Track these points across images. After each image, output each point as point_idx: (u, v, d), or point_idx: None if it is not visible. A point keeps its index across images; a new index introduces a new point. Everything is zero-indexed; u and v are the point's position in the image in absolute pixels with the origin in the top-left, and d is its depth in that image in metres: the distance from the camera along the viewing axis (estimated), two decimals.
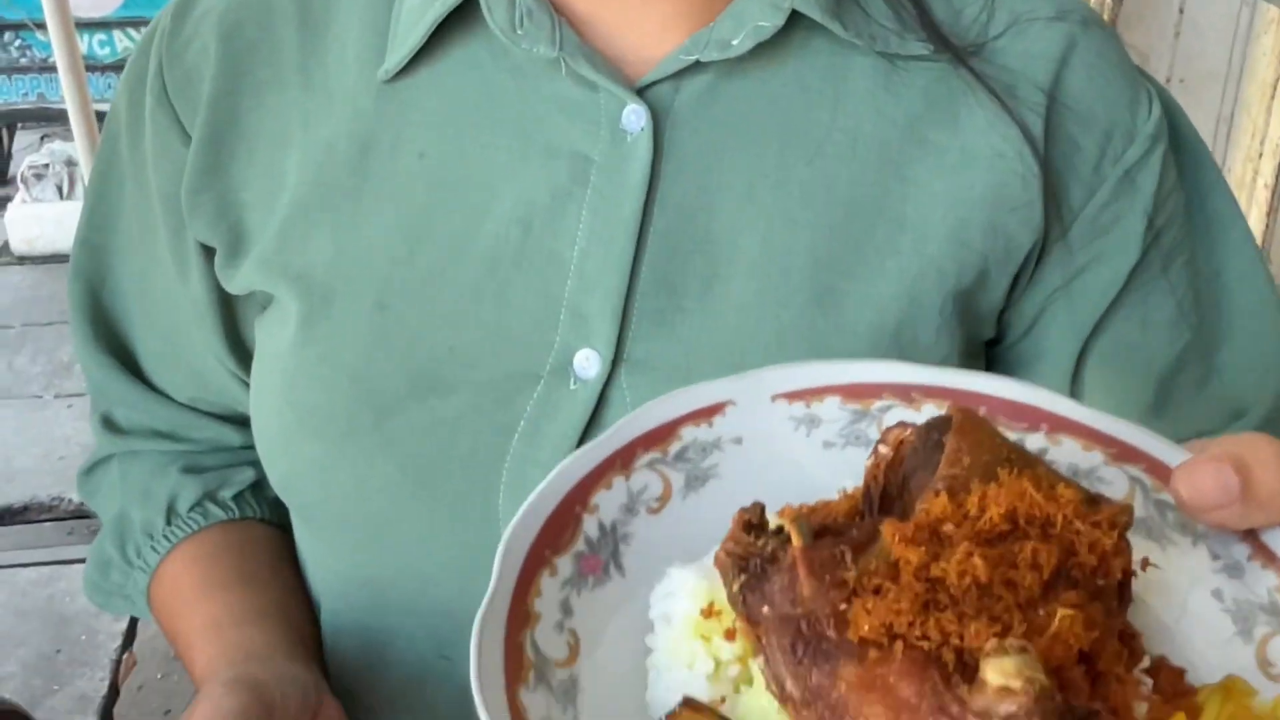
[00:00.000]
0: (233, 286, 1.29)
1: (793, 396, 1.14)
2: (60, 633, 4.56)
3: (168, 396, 1.41)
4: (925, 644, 0.90)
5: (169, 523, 1.34)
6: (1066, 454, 1.14)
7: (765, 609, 0.94)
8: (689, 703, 0.97)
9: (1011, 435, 1.14)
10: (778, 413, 1.13)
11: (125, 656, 4.49)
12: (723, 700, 0.99)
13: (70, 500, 5.21)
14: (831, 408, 1.14)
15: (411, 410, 1.20)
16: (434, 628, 1.14)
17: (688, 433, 1.12)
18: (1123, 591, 1.02)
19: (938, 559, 0.93)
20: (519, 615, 1.00)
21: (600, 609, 1.04)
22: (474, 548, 1.08)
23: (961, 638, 0.90)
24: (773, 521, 1.03)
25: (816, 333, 1.24)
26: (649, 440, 1.10)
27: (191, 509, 1.35)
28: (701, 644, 1.00)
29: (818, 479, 1.09)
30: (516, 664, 0.97)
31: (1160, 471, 1.12)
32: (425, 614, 1.15)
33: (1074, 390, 1.32)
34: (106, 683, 4.36)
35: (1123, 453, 1.13)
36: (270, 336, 1.27)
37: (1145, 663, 1.03)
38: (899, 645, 0.90)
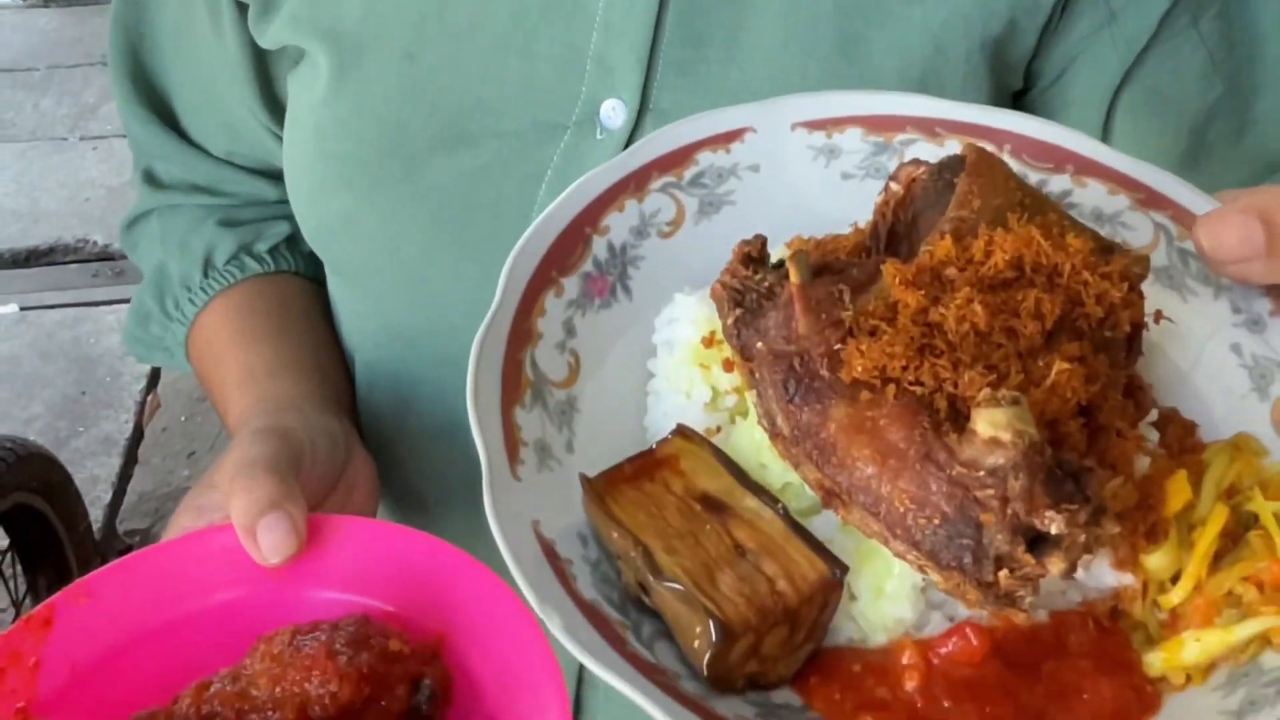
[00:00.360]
0: (265, 41, 1.27)
1: (814, 126, 1.11)
2: (85, 375, 4.57)
3: (205, 151, 1.41)
4: (918, 389, 0.89)
5: (206, 275, 1.35)
6: (1091, 197, 1.11)
7: (759, 344, 0.93)
8: (682, 430, 0.98)
9: (1035, 176, 1.11)
10: (797, 142, 1.10)
11: (150, 398, 4.50)
12: (718, 429, 1.00)
13: (95, 242, 5.20)
14: (853, 139, 1.11)
15: (440, 161, 1.19)
16: (462, 377, 1.15)
17: (705, 158, 1.09)
18: (1131, 344, 1.00)
19: (937, 303, 0.92)
20: (521, 333, 1.00)
21: (604, 331, 1.04)
22: None
23: (955, 385, 0.89)
24: (778, 254, 1.01)
25: (842, 81, 1.20)
26: (665, 164, 1.08)
27: (228, 261, 1.36)
28: (700, 372, 1.00)
29: (833, 210, 1.07)
30: (514, 383, 0.98)
31: (1187, 219, 1.09)
32: (454, 364, 1.16)
33: (1104, 141, 1.28)
34: (131, 424, 4.38)
35: (1149, 198, 1.10)
36: (302, 91, 1.26)
37: (1152, 416, 1.02)
38: (891, 389, 0.89)
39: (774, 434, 0.93)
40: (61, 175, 5.55)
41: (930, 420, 0.88)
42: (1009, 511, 0.84)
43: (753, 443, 0.97)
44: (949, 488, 0.86)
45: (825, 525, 0.94)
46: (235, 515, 0.93)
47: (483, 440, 0.92)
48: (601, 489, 0.94)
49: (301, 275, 1.41)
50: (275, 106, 1.32)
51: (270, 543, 0.92)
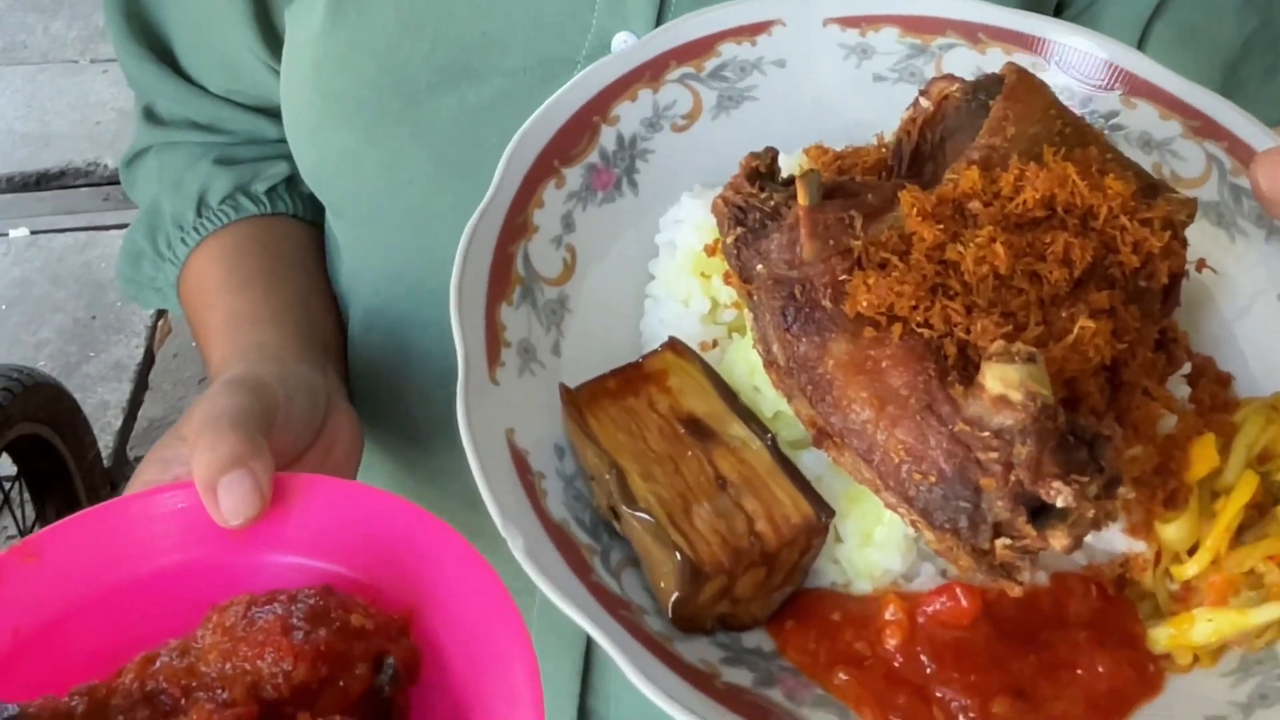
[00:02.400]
0: None
1: (848, 22, 0.98)
2: (96, 299, 4.31)
3: (203, 88, 1.31)
4: (926, 332, 0.77)
5: (199, 214, 1.25)
6: (1141, 120, 0.98)
7: (759, 266, 0.82)
8: (673, 344, 0.86)
9: (1082, 92, 0.98)
10: (829, 38, 0.97)
11: (160, 323, 4.25)
12: (714, 344, 0.89)
13: (106, 165, 4.85)
14: (888, 39, 0.98)
15: (442, 98, 1.10)
16: None
17: (728, 49, 0.96)
18: (1168, 295, 0.87)
19: (956, 239, 0.80)
20: (515, 226, 0.89)
21: (605, 227, 0.92)
22: None
23: (968, 331, 0.77)
24: (794, 160, 0.90)
25: None
26: (684, 53, 0.96)
27: (223, 201, 1.26)
28: (700, 282, 0.89)
29: (861, 114, 0.94)
30: (503, 278, 0.87)
31: (1242, 152, 0.96)
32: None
33: None
34: (141, 349, 4.14)
35: (1204, 127, 0.97)
36: (300, 26, 1.16)
37: (1185, 369, 0.91)
38: (897, 328, 0.77)
39: (768, 362, 0.82)
40: (72, 98, 5.24)
41: (936, 367, 0.77)
42: (1012, 478, 0.73)
43: (748, 363, 0.86)
44: (949, 445, 0.75)
45: (815, 461, 0.84)
46: (196, 472, 0.83)
47: (462, 338, 0.82)
48: (582, 402, 0.84)
49: (299, 218, 1.30)
50: (274, 42, 1.20)
51: (231, 503, 0.82)
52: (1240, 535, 0.85)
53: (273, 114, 1.26)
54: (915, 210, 0.80)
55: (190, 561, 0.84)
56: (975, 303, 0.79)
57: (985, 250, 0.79)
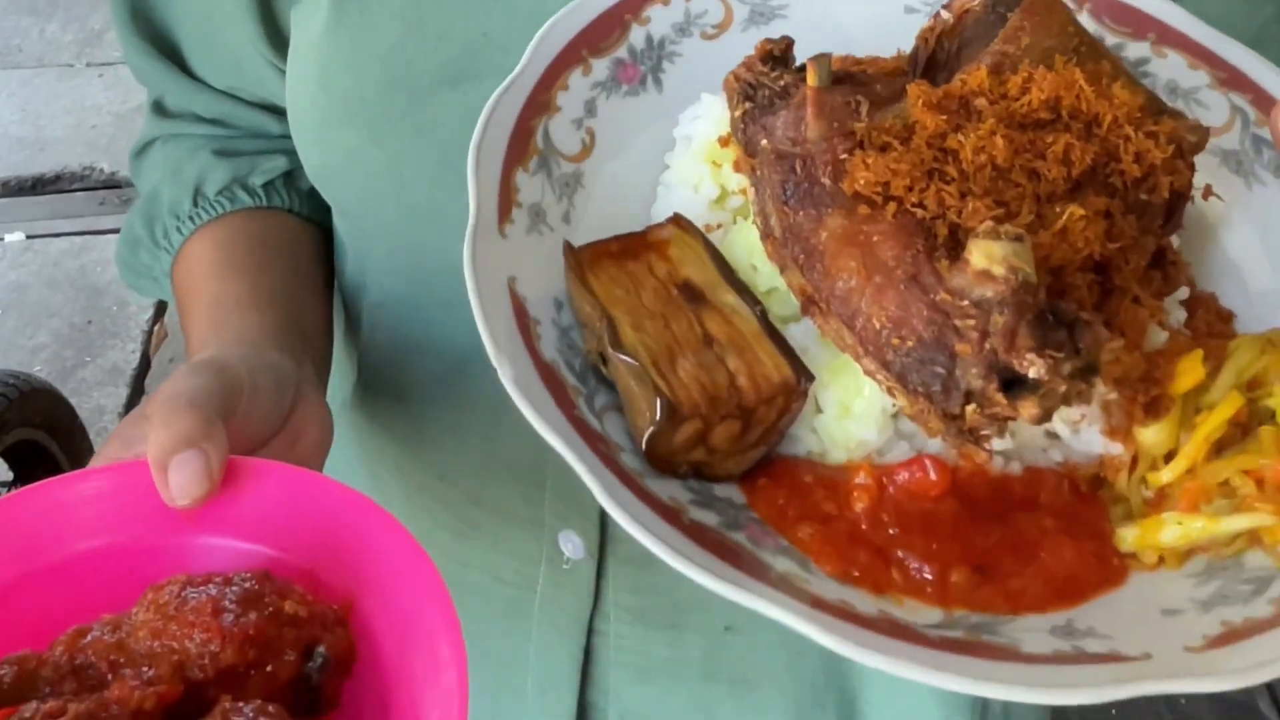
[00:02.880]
0: None
1: None
2: (92, 303, 4.26)
3: (208, 85, 1.31)
4: (919, 211, 0.79)
5: (195, 204, 1.25)
6: (1169, 69, 0.99)
7: (764, 141, 0.84)
8: (678, 219, 0.89)
9: (1112, 40, 0.99)
10: None
11: (156, 328, 4.22)
12: (718, 226, 0.91)
13: (102, 170, 4.82)
14: None
15: (445, 97, 1.09)
16: (471, 323, 1.08)
17: None
18: (1171, 213, 0.89)
19: (958, 130, 0.82)
20: (538, 103, 0.92)
21: (626, 117, 0.95)
22: None
23: (959, 214, 0.80)
24: (794, 46, 0.93)
25: None
26: None
27: (219, 192, 1.25)
28: (710, 169, 0.91)
29: (888, 42, 0.96)
30: (521, 147, 0.90)
31: (1267, 105, 0.97)
32: (462, 306, 1.09)
33: None
34: (138, 354, 4.10)
35: (1231, 78, 0.99)
36: (305, 24, 1.17)
37: (1183, 294, 0.92)
38: (892, 207, 0.79)
39: (765, 234, 0.85)
40: (67, 102, 5.18)
41: (925, 244, 0.79)
42: (987, 346, 0.75)
43: (748, 244, 0.88)
44: (929, 312, 0.77)
45: (803, 334, 0.85)
46: (150, 450, 0.83)
47: (476, 191, 0.85)
48: (584, 259, 0.86)
49: (295, 213, 1.30)
50: (279, 40, 1.22)
51: (179, 482, 0.81)
52: (1220, 451, 0.85)
53: (276, 110, 1.27)
54: (921, 101, 0.83)
55: (134, 540, 0.83)
56: (970, 189, 0.80)
57: (985, 141, 0.81)
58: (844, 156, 0.82)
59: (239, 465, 0.84)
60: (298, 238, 1.29)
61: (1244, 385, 0.88)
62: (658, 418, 0.78)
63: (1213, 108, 0.99)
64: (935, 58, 0.91)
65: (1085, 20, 0.97)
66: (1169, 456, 0.85)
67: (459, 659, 0.74)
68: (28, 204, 4.83)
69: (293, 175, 1.28)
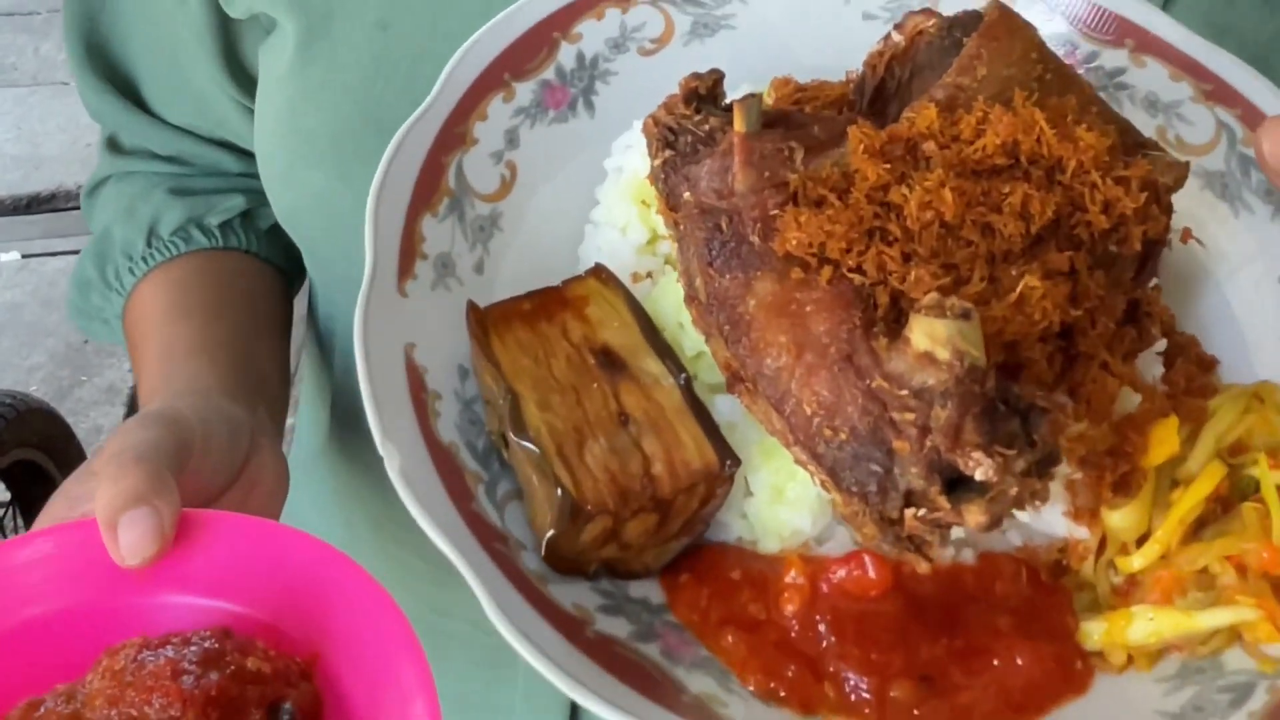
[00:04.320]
0: (234, 10, 1.11)
1: None
2: None
3: (165, 121, 1.23)
4: (857, 278, 0.69)
5: (149, 245, 1.18)
6: (1148, 80, 0.87)
7: (687, 193, 0.73)
8: (598, 271, 0.78)
9: (1087, 47, 0.88)
10: None
11: None
12: (647, 275, 0.80)
13: None
14: None
15: None
16: None
17: None
18: (1144, 265, 0.78)
19: (903, 181, 0.71)
20: (451, 136, 0.81)
21: (553, 147, 0.84)
22: None
23: (902, 280, 0.69)
24: (723, 81, 0.81)
25: None
26: None
27: (174, 232, 1.17)
28: (639, 210, 0.80)
29: (843, 54, 0.84)
30: (430, 188, 0.79)
31: (1256, 121, 0.86)
32: None
33: None
34: (134, 373, 4.04)
35: (1217, 91, 0.87)
36: (272, 63, 1.10)
37: (1158, 346, 0.82)
38: (827, 271, 0.68)
39: (690, 297, 0.74)
40: (62, 120, 4.96)
41: (863, 316, 0.68)
42: (928, 443, 0.65)
43: (678, 299, 0.77)
44: (865, 400, 0.66)
45: (731, 408, 0.75)
46: (98, 508, 0.77)
47: (373, 244, 0.76)
48: (490, 322, 0.76)
49: (252, 254, 1.22)
50: (243, 79, 1.16)
51: (130, 541, 0.76)
52: (1198, 531, 0.76)
53: (235, 148, 1.20)
54: (862, 147, 0.71)
55: (85, 604, 0.79)
56: (915, 251, 0.70)
57: (932, 195, 0.70)
58: (775, 212, 0.71)
59: (193, 519, 0.78)
60: (255, 280, 1.22)
61: (1226, 450, 0.78)
62: (559, 517, 0.69)
63: (1196, 123, 0.87)
64: (884, 86, 0.80)
65: (1058, 25, 0.85)
66: (1141, 539, 0.75)
67: (431, 707, 0.69)
68: (23, 223, 4.72)
69: (251, 215, 1.21)
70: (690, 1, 0.88)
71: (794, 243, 0.69)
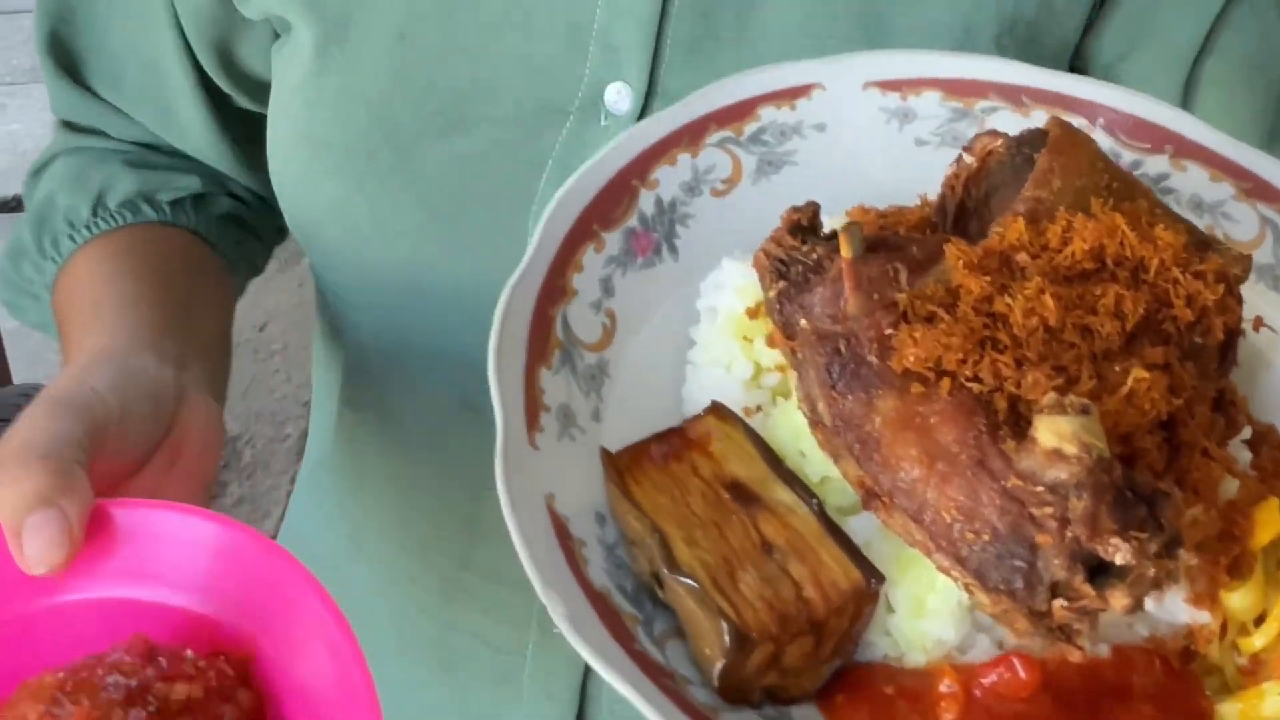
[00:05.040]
0: (248, 9, 1.10)
1: (888, 86, 0.93)
2: None
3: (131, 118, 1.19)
4: (975, 386, 0.72)
5: (94, 213, 1.12)
6: (1190, 183, 0.92)
7: (803, 322, 0.77)
8: (716, 409, 0.81)
9: (1129, 156, 0.92)
10: (869, 102, 0.93)
11: None
12: (757, 409, 0.83)
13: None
14: (930, 103, 0.93)
15: (432, 147, 1.03)
16: (457, 378, 1.00)
17: (767, 113, 0.92)
18: (1225, 353, 0.82)
19: (1004, 292, 0.75)
20: (554, 289, 0.84)
21: (645, 292, 0.87)
22: (499, 295, 0.93)
23: (1018, 385, 0.72)
24: (836, 224, 0.85)
25: None
26: (724, 117, 0.91)
27: (122, 204, 1.12)
28: (741, 345, 0.83)
29: (904, 180, 0.90)
30: (542, 342, 0.82)
31: None
32: (448, 364, 1.02)
33: None
34: None
35: (1256, 188, 0.92)
36: (286, 69, 1.09)
37: (1245, 434, 0.85)
38: (946, 383, 0.72)
39: (814, 421, 0.77)
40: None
41: (987, 422, 0.72)
42: (1069, 535, 0.68)
43: (793, 428, 0.81)
44: (1003, 501, 0.70)
45: (864, 527, 0.78)
46: (0, 514, 0.73)
47: (501, 401, 0.77)
48: (623, 467, 0.79)
49: (201, 237, 1.17)
50: (234, 76, 1.15)
51: (36, 547, 0.71)
52: None
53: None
54: (962, 262, 0.76)
55: (3, 610, 0.75)
56: (1025, 356, 0.73)
57: (1034, 302, 0.74)
58: (889, 331, 0.74)
59: (107, 509, 0.74)
60: (202, 261, 1.16)
61: None
62: (728, 647, 0.70)
63: (1241, 221, 0.92)
64: (964, 205, 0.84)
65: (1100, 136, 0.90)
66: (1260, 619, 0.77)
67: (369, 700, 0.67)
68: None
69: (205, 200, 1.17)
70: (754, 141, 0.92)
71: (912, 359, 0.73)
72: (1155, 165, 0.92)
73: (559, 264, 0.85)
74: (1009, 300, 0.74)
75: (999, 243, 0.77)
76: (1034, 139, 0.83)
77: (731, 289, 0.85)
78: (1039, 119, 0.90)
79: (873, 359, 0.74)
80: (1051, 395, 0.69)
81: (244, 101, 1.16)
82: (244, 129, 1.17)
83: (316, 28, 1.04)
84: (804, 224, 0.80)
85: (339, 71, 1.05)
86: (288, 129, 1.09)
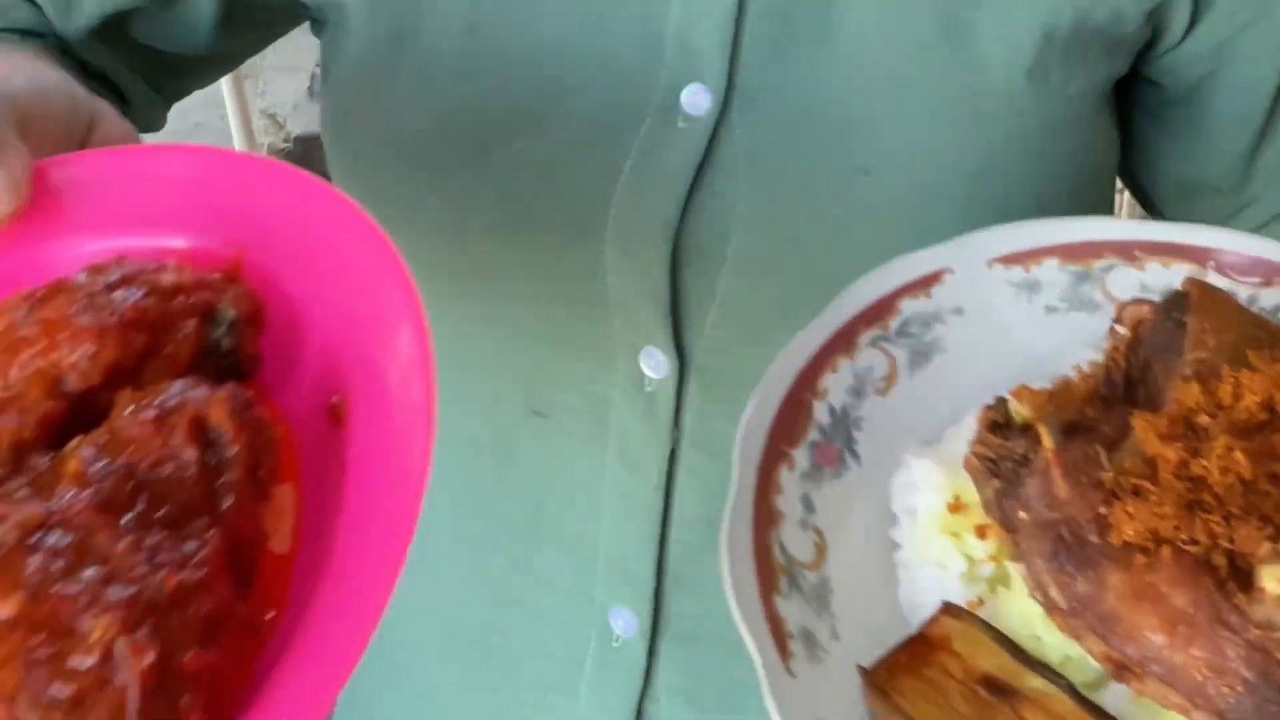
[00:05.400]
0: None
1: (1010, 260, 1.00)
2: None
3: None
4: (1194, 548, 0.79)
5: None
6: None
7: (1021, 514, 0.84)
8: (949, 608, 0.87)
9: (1244, 292, 1.00)
10: (996, 279, 1.00)
11: None
12: (980, 601, 0.89)
13: None
14: (1050, 270, 1.01)
15: (508, 144, 1.01)
16: (525, 381, 1.01)
17: (906, 305, 0.99)
18: None
19: (1196, 455, 0.82)
20: (764, 515, 0.89)
21: (840, 502, 0.93)
22: (573, 299, 0.94)
23: (1231, 540, 0.79)
24: (1010, 404, 0.92)
25: (944, 68, 1.02)
26: (868, 316, 0.98)
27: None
28: (951, 541, 0.89)
29: (1044, 347, 0.97)
30: (767, 570, 0.88)
31: None
32: (517, 369, 1.02)
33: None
34: None
35: None
36: (346, 63, 1.07)
37: None
38: (1166, 550, 0.79)
39: (1049, 606, 0.83)
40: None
41: (1213, 579, 0.78)
42: None
43: (1022, 614, 0.86)
44: (1247, 651, 0.76)
45: (1115, 698, 0.83)
46: None
47: (753, 637, 0.82)
48: (883, 681, 0.84)
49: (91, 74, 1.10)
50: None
51: None
52: None
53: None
54: (1153, 433, 0.82)
55: None
56: (1231, 512, 0.80)
57: (1226, 460, 0.81)
58: (1102, 510, 0.81)
59: (49, 167, 0.70)
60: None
61: None
62: None
63: None
64: (1129, 374, 0.90)
65: (1215, 279, 0.97)
66: None
67: (419, 331, 0.64)
68: None
69: (109, 32, 1.11)
70: (901, 334, 0.99)
71: (1131, 533, 0.79)
72: (1270, 298, 0.99)
73: (762, 489, 0.91)
74: (1204, 462, 0.81)
75: (1179, 409, 0.84)
76: (1178, 301, 0.90)
77: (927, 488, 0.91)
78: (1154, 268, 0.97)
79: (1093, 538, 0.81)
80: (1267, 545, 0.76)
81: None
82: None
83: (387, 22, 1.04)
84: (1000, 421, 0.86)
85: (411, 66, 1.04)
86: (358, 119, 1.07)
